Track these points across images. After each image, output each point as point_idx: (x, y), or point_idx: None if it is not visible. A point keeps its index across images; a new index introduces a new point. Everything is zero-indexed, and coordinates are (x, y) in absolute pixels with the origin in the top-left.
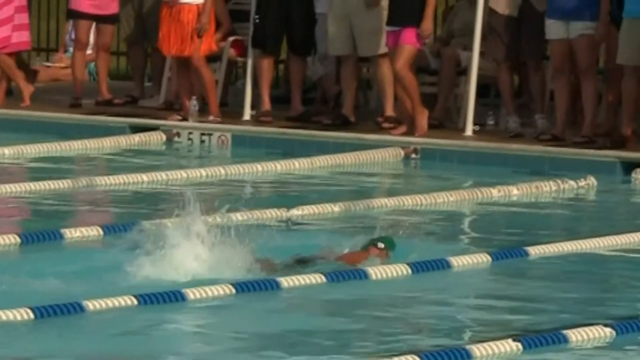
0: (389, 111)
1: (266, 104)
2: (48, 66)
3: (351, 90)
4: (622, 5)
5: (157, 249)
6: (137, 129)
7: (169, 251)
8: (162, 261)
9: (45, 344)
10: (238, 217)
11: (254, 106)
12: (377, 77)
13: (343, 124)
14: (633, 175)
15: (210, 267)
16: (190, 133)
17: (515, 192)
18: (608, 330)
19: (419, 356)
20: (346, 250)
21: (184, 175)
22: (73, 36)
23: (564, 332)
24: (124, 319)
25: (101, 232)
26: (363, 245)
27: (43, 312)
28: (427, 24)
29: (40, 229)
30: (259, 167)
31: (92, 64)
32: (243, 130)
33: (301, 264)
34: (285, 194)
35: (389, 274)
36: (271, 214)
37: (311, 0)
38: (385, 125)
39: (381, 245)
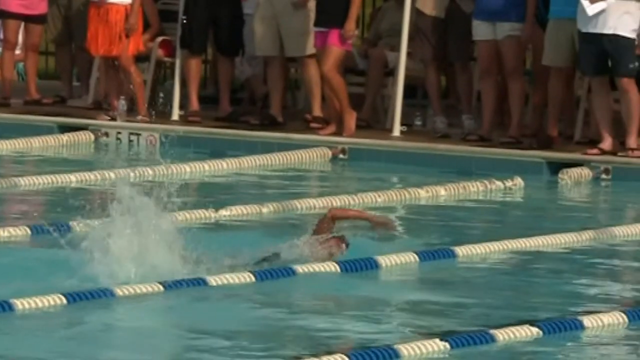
0: (317, 111)
1: (194, 104)
2: None
3: (279, 91)
4: (548, 6)
5: (89, 249)
6: (65, 129)
7: (99, 251)
8: (92, 261)
9: None
10: (177, 217)
11: (182, 106)
12: (304, 78)
13: (271, 124)
14: (559, 175)
15: (143, 264)
16: (118, 133)
17: (442, 192)
18: (535, 329)
19: (347, 355)
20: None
21: (112, 175)
22: (1, 36)
23: (491, 331)
24: (53, 317)
25: (29, 232)
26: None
27: None
28: (350, 25)
29: None
30: (187, 168)
31: (21, 64)
32: (171, 130)
33: (269, 260)
34: (213, 194)
35: (317, 272)
36: (199, 215)
37: (239, 1)
38: (313, 125)
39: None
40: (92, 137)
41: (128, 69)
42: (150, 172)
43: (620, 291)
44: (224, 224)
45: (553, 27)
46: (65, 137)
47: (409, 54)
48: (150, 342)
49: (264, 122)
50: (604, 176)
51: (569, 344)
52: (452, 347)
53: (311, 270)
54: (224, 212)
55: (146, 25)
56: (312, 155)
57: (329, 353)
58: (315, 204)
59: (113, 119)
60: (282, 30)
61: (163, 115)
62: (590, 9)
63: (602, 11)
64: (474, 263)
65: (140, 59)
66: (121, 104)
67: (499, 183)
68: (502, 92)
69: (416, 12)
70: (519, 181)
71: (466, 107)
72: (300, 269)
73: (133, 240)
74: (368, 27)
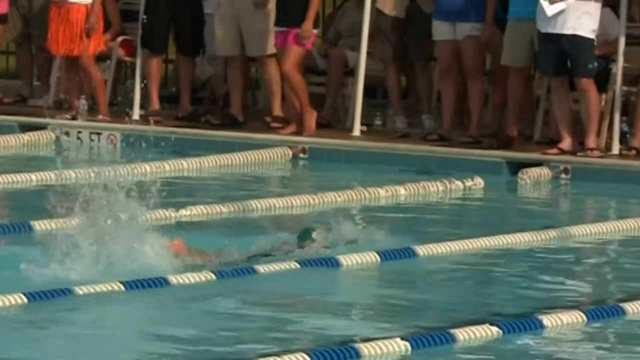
0: (277, 111)
1: (155, 104)
2: None
3: (239, 91)
4: (506, 7)
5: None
6: (26, 128)
7: (62, 250)
8: (54, 260)
9: None
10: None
11: (142, 106)
12: (265, 78)
13: (231, 124)
14: (519, 175)
15: (106, 263)
16: (79, 132)
17: (402, 191)
18: (495, 329)
19: (309, 354)
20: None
21: (73, 174)
22: None
23: (452, 331)
24: (13, 317)
25: None
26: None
27: None
28: (307, 25)
29: None
30: (148, 167)
31: None
32: (132, 129)
33: (258, 256)
34: (174, 194)
35: (277, 270)
36: (159, 215)
37: (199, 1)
38: (274, 125)
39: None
40: (53, 136)
41: (89, 69)
42: (111, 171)
43: (580, 290)
44: (184, 223)
45: (512, 28)
46: (26, 137)
47: (369, 54)
48: (109, 341)
49: (225, 121)
50: (563, 176)
51: (529, 343)
52: (412, 346)
53: (272, 269)
54: (185, 212)
55: (107, 25)
56: (272, 154)
57: (290, 351)
58: (275, 204)
59: (74, 118)
60: (243, 30)
61: (124, 114)
62: (550, 10)
63: (561, 11)
64: (434, 262)
65: (101, 58)
66: (82, 103)
67: (458, 183)
68: (461, 92)
69: (376, 12)
70: (478, 181)
71: (426, 106)
72: (261, 267)
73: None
74: (324, 27)
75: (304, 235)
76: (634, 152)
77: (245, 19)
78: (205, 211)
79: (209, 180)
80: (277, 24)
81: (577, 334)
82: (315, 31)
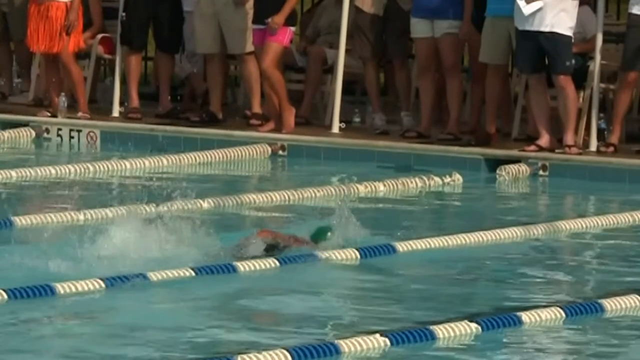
0: (256, 108)
1: (134, 101)
2: None
3: (218, 88)
4: (480, 7)
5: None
6: (6, 125)
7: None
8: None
9: None
10: (107, 213)
11: (122, 103)
12: (244, 75)
13: (211, 121)
14: (497, 172)
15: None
16: (59, 129)
17: (381, 188)
18: (474, 325)
19: (289, 351)
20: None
21: (53, 171)
22: None
23: (431, 327)
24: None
25: None
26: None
27: None
28: (279, 17)
29: None
30: (128, 164)
31: None
32: (112, 126)
33: (270, 251)
34: (154, 190)
35: (257, 268)
36: (139, 210)
37: None
38: (253, 122)
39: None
40: (33, 133)
41: (68, 66)
42: (91, 168)
43: (558, 287)
44: (164, 219)
45: (490, 25)
46: (6, 134)
47: (347, 51)
48: (85, 338)
49: (204, 118)
50: (541, 172)
51: (508, 339)
52: (392, 343)
53: (251, 266)
54: (165, 208)
55: (87, 23)
56: (251, 151)
57: (270, 348)
58: (255, 200)
59: (54, 115)
60: (223, 28)
61: (103, 111)
62: (526, 9)
63: (539, 9)
64: (414, 259)
65: (81, 56)
66: (62, 100)
67: (437, 179)
68: (440, 89)
69: (355, 10)
70: (457, 177)
71: (405, 104)
72: (240, 264)
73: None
74: (303, 23)
75: (319, 236)
76: (612, 149)
77: (225, 17)
78: (185, 207)
79: (189, 177)
80: (254, 21)
81: (555, 330)
82: (292, 29)
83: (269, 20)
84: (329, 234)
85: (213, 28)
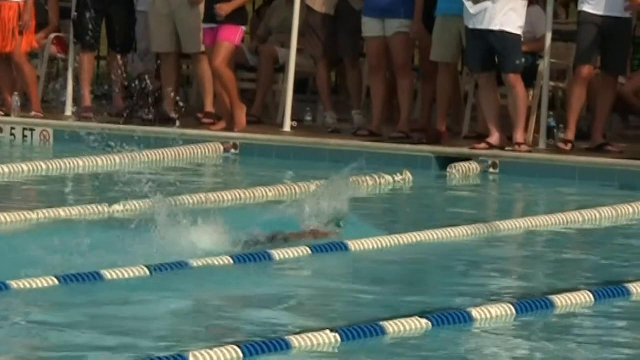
0: (209, 107)
1: (87, 100)
2: None
3: (172, 87)
4: (431, 6)
5: None
6: None
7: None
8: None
9: None
10: (60, 213)
11: (75, 102)
12: (197, 74)
13: (164, 120)
14: (448, 170)
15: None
16: (12, 128)
17: None
18: (424, 321)
19: (240, 347)
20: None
21: (6, 170)
22: None
23: (381, 323)
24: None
25: None
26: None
27: None
28: (226, 7)
29: None
30: (81, 163)
31: None
32: (65, 125)
33: (274, 241)
34: (106, 189)
35: (210, 264)
36: (92, 210)
37: None
38: (205, 121)
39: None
40: None
41: (21, 66)
42: (44, 166)
43: (508, 283)
44: (117, 218)
45: (440, 24)
46: None
47: (299, 51)
48: (41, 336)
49: (157, 117)
50: (491, 170)
51: (458, 335)
52: (342, 338)
53: (206, 263)
54: (118, 207)
55: (42, 23)
56: (204, 150)
57: (222, 344)
58: (207, 199)
59: (7, 114)
60: (179, 27)
61: (56, 111)
62: (474, 9)
63: (487, 8)
64: (365, 256)
65: (34, 55)
66: (15, 99)
67: (388, 177)
68: (391, 88)
69: (306, 9)
70: (408, 175)
71: (356, 102)
72: (194, 262)
73: None
74: (254, 21)
75: (338, 223)
76: (570, 145)
77: (180, 16)
78: (138, 206)
79: (142, 176)
80: (205, 20)
81: (506, 326)
82: (243, 28)
83: (216, 7)
84: (341, 222)
85: (168, 27)
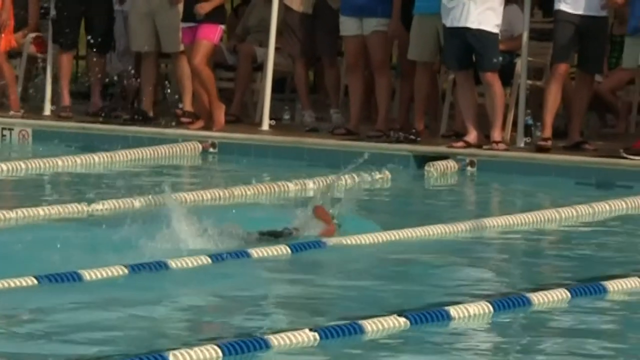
0: (188, 106)
1: (66, 100)
2: None
3: (150, 86)
4: (408, 4)
5: None
6: None
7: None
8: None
9: None
10: (39, 212)
11: (54, 101)
12: (177, 73)
13: (142, 119)
14: (426, 168)
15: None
16: None
17: (311, 185)
18: (402, 319)
19: (219, 346)
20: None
21: None
22: None
23: (360, 322)
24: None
25: None
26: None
27: None
28: (204, 6)
29: None
30: (59, 162)
31: None
32: (44, 125)
33: (268, 237)
34: (85, 188)
35: (188, 264)
36: (71, 209)
37: None
38: (184, 119)
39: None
40: None
41: (0, 65)
42: (23, 165)
43: (486, 281)
44: (96, 217)
45: (418, 22)
46: None
47: (277, 49)
48: (19, 336)
49: (135, 117)
50: (469, 168)
51: (436, 333)
52: (321, 337)
53: (184, 264)
54: (97, 206)
55: (21, 22)
56: (182, 149)
57: (201, 344)
58: (186, 198)
59: None
60: (158, 26)
61: (35, 110)
62: (450, 4)
63: (464, 6)
64: (343, 255)
65: (13, 54)
66: None
67: (366, 176)
68: (369, 87)
69: (284, 8)
70: (386, 174)
71: (334, 101)
72: (172, 262)
73: None
74: (231, 19)
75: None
76: (549, 142)
77: (160, 16)
78: (117, 205)
79: (120, 175)
80: (184, 19)
81: (483, 324)
82: (222, 27)
83: (197, 6)
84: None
85: (148, 27)
